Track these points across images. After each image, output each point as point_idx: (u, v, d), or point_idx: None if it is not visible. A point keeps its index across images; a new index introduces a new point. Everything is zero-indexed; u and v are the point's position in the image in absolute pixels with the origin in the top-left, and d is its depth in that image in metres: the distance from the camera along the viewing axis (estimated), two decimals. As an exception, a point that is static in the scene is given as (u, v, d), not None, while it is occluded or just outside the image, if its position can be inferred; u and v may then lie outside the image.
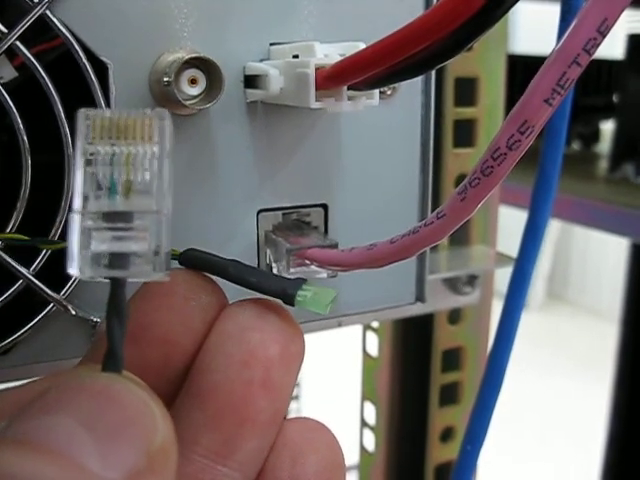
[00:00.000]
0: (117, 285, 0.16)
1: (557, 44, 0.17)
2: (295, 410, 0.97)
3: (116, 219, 0.16)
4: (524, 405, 1.93)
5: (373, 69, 0.19)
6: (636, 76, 0.65)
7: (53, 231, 0.23)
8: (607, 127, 0.85)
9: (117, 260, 0.16)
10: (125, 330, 0.16)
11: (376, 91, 0.22)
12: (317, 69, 0.21)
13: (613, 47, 0.70)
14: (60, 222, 0.23)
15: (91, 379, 0.15)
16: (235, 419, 0.18)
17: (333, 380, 1.76)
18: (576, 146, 0.87)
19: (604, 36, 0.17)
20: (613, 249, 2.35)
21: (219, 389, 0.18)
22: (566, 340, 2.38)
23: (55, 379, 0.16)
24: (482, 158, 0.19)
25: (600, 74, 0.82)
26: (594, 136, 0.87)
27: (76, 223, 0.16)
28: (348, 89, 0.22)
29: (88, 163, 0.16)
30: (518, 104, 0.18)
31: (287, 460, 0.18)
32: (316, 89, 0.21)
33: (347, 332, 0.47)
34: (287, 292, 0.19)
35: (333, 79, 0.21)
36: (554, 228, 2.68)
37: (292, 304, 0.19)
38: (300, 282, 0.19)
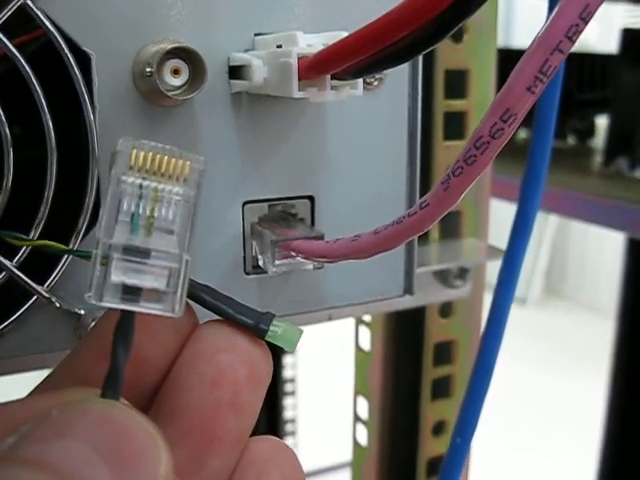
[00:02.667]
0: (128, 315, 0.17)
1: (539, 31, 0.17)
2: (291, 406, 0.97)
3: (136, 253, 0.17)
4: (522, 400, 1.94)
5: (355, 57, 0.19)
6: (630, 70, 0.65)
7: (33, 230, 0.22)
8: (602, 122, 0.84)
9: (133, 292, 0.17)
10: (128, 358, 0.17)
11: (360, 81, 0.22)
12: (300, 59, 0.21)
13: (609, 42, 0.70)
14: (40, 221, 0.22)
15: (101, 407, 0.15)
16: (204, 437, 0.18)
17: (330, 376, 1.76)
18: (571, 141, 0.87)
19: (586, 22, 0.17)
20: (611, 245, 2.35)
21: (190, 408, 0.18)
22: (564, 335, 2.38)
23: (58, 398, 0.16)
24: (465, 147, 0.19)
25: (595, 69, 0.82)
26: (589, 131, 0.87)
27: (99, 252, 0.16)
28: (332, 79, 0.21)
29: (119, 192, 0.17)
30: (500, 92, 0.18)
31: (252, 477, 0.19)
32: (299, 79, 0.21)
33: (344, 328, 0.47)
34: (260, 326, 0.19)
35: (315, 68, 0.20)
36: (551, 224, 2.67)
37: (263, 338, 0.19)
38: (271, 317, 0.20)
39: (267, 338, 0.19)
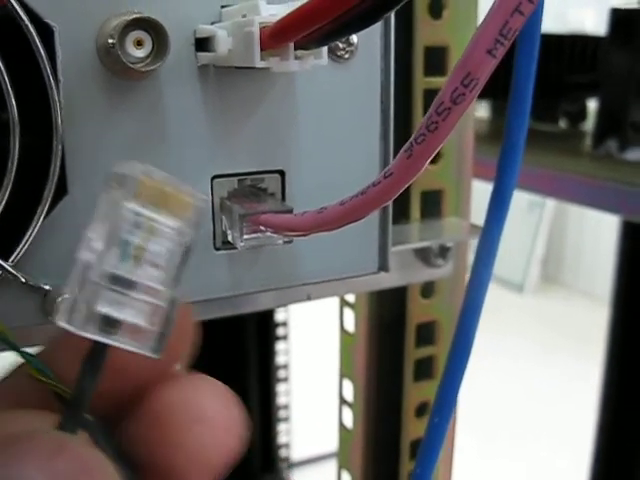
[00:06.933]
0: (102, 347, 0.16)
1: (500, -6, 0.17)
2: (284, 392, 0.97)
3: (122, 284, 0.16)
4: (519, 387, 1.94)
5: (317, 22, 0.19)
6: (619, 51, 0.65)
7: None
8: (594, 105, 0.84)
9: (112, 324, 0.16)
10: (94, 390, 0.16)
11: (324, 49, 0.21)
12: (262, 28, 0.21)
13: (604, 27, 0.69)
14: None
15: (61, 439, 0.15)
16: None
17: (324, 362, 1.76)
18: (563, 124, 0.86)
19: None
20: (607, 233, 2.35)
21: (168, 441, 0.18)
22: (561, 323, 2.38)
23: (15, 423, 0.16)
24: (427, 114, 0.18)
25: (586, 51, 0.81)
26: (581, 114, 0.87)
27: (89, 275, 0.15)
28: (297, 49, 0.21)
29: (119, 218, 0.16)
30: (461, 57, 0.18)
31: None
32: (262, 49, 0.21)
33: (337, 313, 0.47)
34: None
35: (277, 36, 0.20)
36: (548, 212, 2.67)
37: None
38: None
39: None
